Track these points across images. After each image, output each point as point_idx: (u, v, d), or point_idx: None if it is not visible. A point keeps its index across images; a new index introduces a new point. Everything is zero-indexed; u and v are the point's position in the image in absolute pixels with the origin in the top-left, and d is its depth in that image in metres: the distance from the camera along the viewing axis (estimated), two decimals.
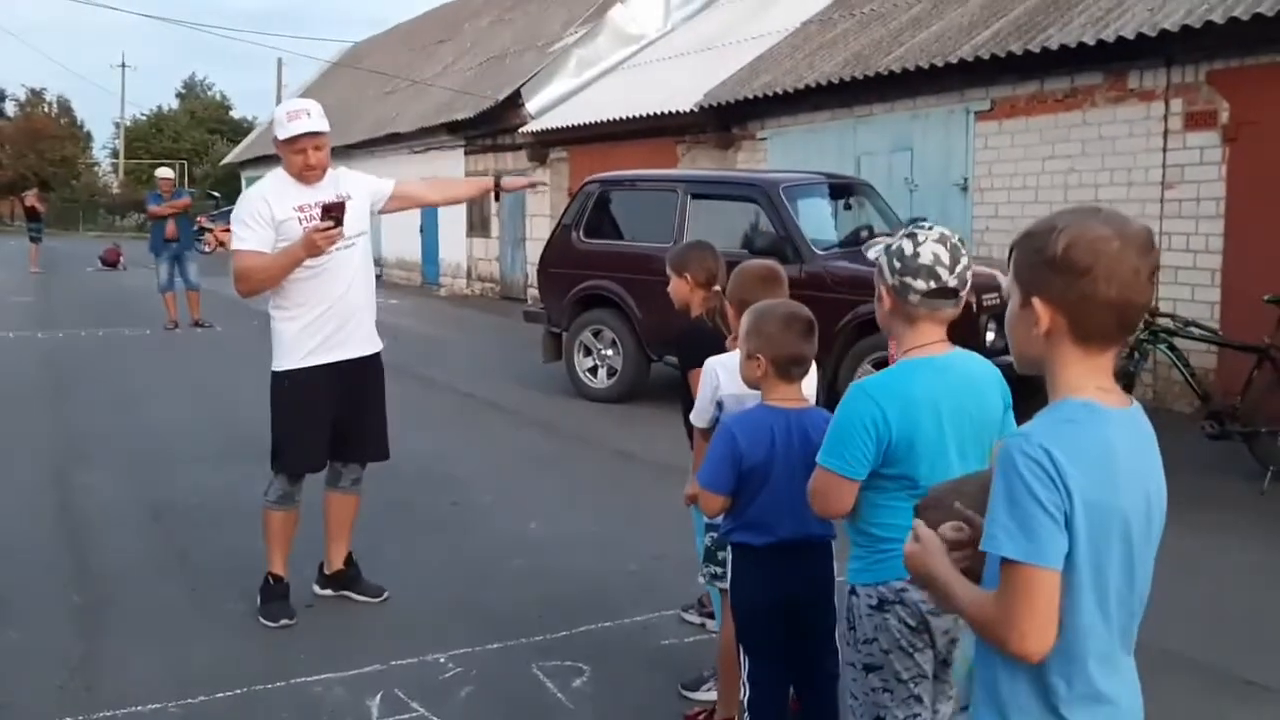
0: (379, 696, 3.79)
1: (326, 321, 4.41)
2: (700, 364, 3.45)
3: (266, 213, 4.32)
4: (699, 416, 3.40)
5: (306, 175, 4.37)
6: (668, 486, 6.49)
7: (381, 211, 4.77)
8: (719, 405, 3.31)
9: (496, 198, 5.00)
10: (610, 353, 9.52)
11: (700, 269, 3.87)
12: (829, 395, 6.84)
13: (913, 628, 2.41)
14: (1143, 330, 7.05)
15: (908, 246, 2.38)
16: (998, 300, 7.32)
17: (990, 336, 7.28)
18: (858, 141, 11.75)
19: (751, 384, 2.94)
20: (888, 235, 2.60)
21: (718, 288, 3.81)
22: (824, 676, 3.01)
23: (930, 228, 2.42)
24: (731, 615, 3.08)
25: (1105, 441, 1.63)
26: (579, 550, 5.48)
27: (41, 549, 5.39)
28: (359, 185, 4.60)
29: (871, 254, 2.48)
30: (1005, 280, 1.76)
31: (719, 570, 3.44)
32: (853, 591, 2.47)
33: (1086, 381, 1.67)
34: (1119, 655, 1.72)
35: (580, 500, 6.43)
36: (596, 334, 9.61)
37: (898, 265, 2.38)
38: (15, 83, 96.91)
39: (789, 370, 2.85)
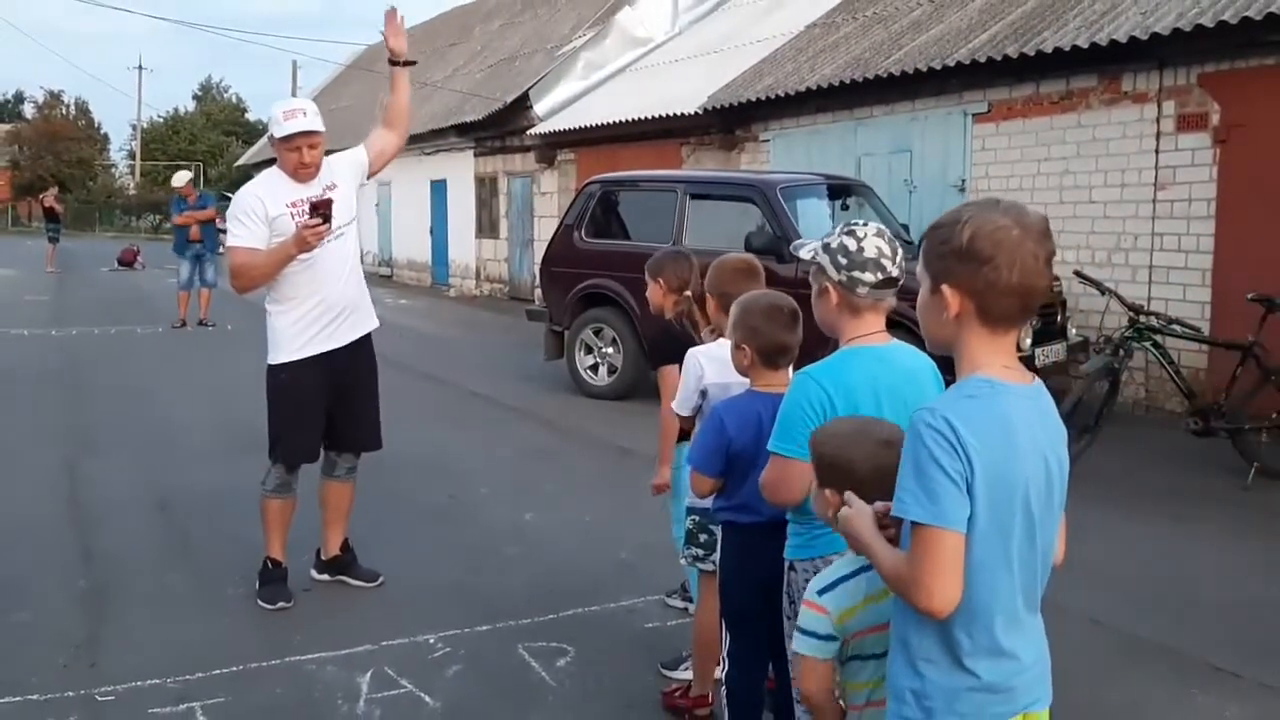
0: (369, 674, 3.94)
1: (322, 313, 4.56)
2: (668, 361, 3.65)
3: (260, 210, 4.44)
4: (682, 405, 3.53)
5: (300, 173, 4.51)
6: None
7: (371, 174, 4.81)
8: (703, 394, 3.44)
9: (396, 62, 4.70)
10: (611, 351, 9.67)
11: (674, 276, 4.07)
12: None
13: None
14: (1128, 328, 7.17)
15: (850, 243, 2.51)
16: None
17: None
18: (858, 143, 11.88)
19: (741, 372, 3.08)
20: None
21: (689, 293, 4.00)
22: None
23: (865, 224, 2.55)
24: (718, 593, 3.20)
25: (1004, 414, 1.77)
26: (571, 539, 5.63)
27: (52, 535, 5.58)
28: (344, 170, 4.69)
29: (805, 254, 2.61)
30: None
31: (700, 553, 3.57)
32: (791, 567, 2.61)
33: (992, 360, 1.82)
34: (1023, 614, 1.85)
35: (576, 493, 6.58)
36: (597, 332, 9.76)
37: (843, 261, 2.50)
38: (34, 85, 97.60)
39: (774, 359, 2.99)
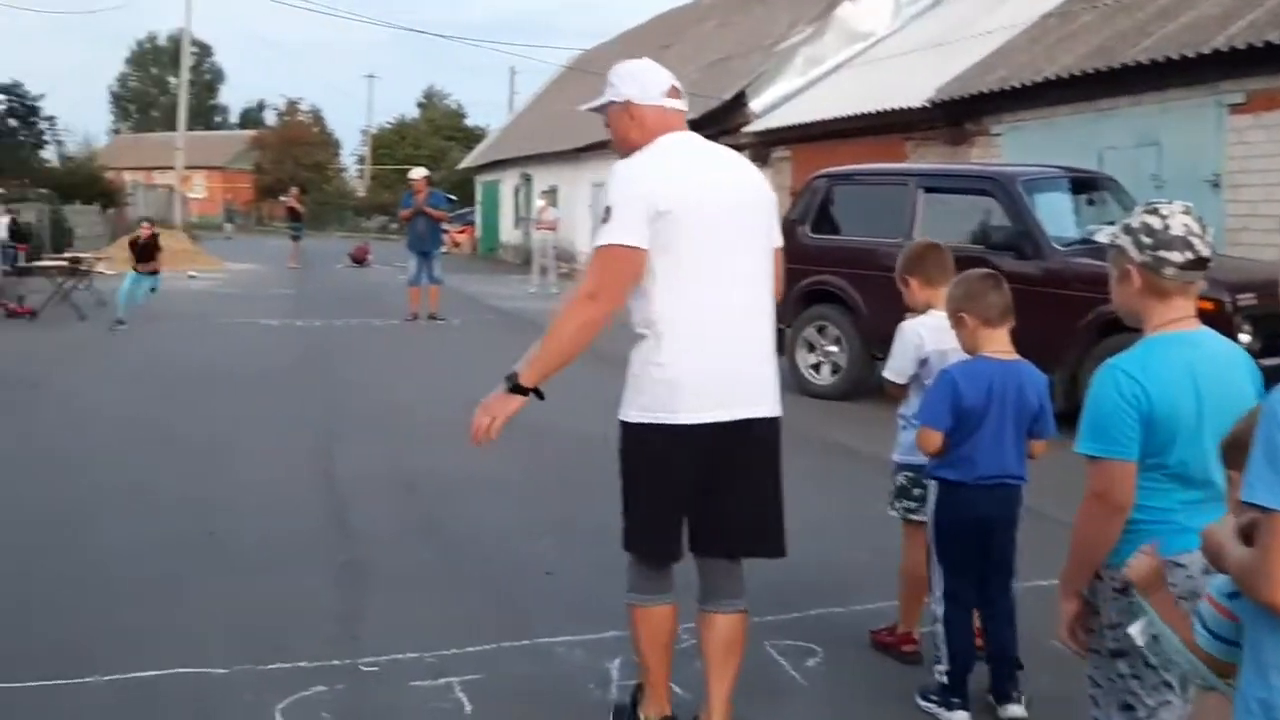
0: (618, 661, 3.94)
1: None
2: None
3: None
4: (898, 374, 3.85)
5: None
6: (887, 481, 6.48)
7: None
8: (923, 363, 3.74)
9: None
10: (834, 349, 9.49)
11: None
12: (1069, 397, 6.61)
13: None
14: None
15: (1155, 222, 2.36)
16: (1254, 301, 6.92)
17: (1245, 339, 6.86)
18: (1099, 136, 11.32)
19: (969, 348, 3.39)
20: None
21: None
22: (1003, 611, 3.50)
23: (1170, 203, 2.40)
24: (929, 538, 3.57)
25: None
26: (806, 538, 5.51)
27: (309, 513, 5.89)
28: None
29: (1102, 237, 2.55)
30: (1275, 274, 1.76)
31: (912, 504, 3.88)
32: (1097, 575, 2.42)
33: None
34: None
35: (802, 493, 6.40)
36: (820, 330, 9.60)
37: (1148, 241, 2.35)
38: (275, 93, 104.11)
39: (993, 320, 3.32)
